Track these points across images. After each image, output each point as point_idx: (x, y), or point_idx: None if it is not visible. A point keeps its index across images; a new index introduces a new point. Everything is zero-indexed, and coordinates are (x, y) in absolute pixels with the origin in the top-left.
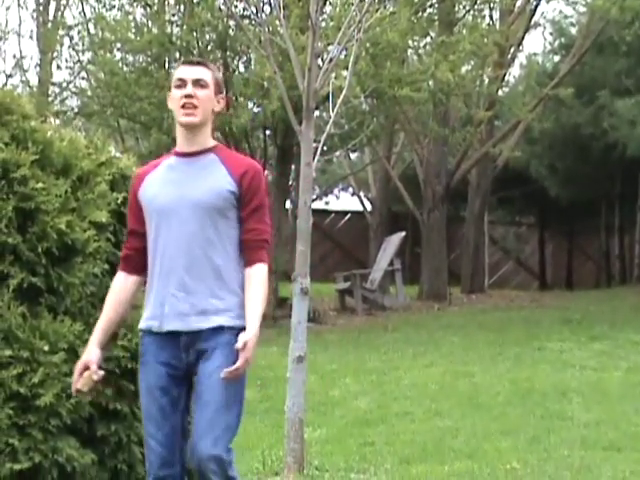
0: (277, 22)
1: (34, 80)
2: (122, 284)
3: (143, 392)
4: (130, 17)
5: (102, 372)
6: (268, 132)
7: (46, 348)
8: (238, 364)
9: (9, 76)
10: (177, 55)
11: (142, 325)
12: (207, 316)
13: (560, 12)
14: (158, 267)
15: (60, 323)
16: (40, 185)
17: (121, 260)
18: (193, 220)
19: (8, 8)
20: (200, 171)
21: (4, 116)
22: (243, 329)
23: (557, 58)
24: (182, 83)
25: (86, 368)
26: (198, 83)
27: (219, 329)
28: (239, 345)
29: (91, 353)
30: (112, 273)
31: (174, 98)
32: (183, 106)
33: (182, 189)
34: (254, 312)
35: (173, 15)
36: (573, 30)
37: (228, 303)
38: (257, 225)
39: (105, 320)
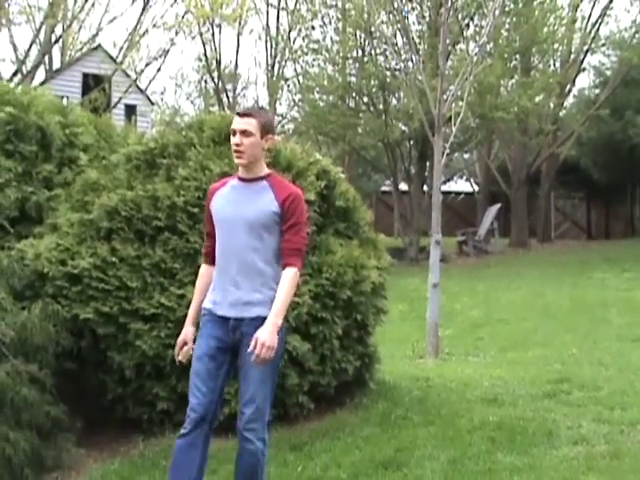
0: (418, 72)
1: None
2: (206, 273)
3: (195, 356)
4: (324, 72)
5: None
6: (412, 142)
7: None
8: (256, 352)
9: None
10: (353, 94)
11: (205, 305)
12: (250, 307)
13: (599, 61)
14: (219, 265)
15: None
16: None
17: (203, 256)
18: (245, 233)
19: (249, 69)
20: (253, 194)
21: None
22: None
23: (597, 90)
24: (233, 133)
25: (184, 344)
26: (244, 133)
27: (258, 318)
28: (252, 344)
29: (187, 332)
30: (319, 233)
31: (231, 143)
32: (234, 151)
33: (239, 208)
34: (276, 307)
35: (351, 69)
36: (608, 72)
37: (266, 296)
38: (292, 237)
39: (196, 303)
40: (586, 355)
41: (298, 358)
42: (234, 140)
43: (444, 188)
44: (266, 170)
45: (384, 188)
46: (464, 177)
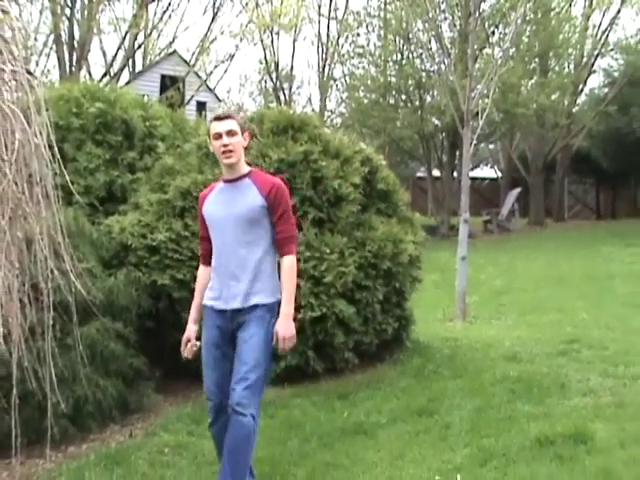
0: (449, 73)
1: (317, 108)
2: (204, 274)
3: (203, 346)
4: (368, 73)
5: (199, 343)
6: (444, 134)
7: (327, 251)
8: (280, 346)
9: (304, 107)
10: (393, 92)
11: (206, 302)
12: (248, 297)
13: (608, 64)
14: (216, 263)
15: (335, 238)
16: (324, 164)
17: (201, 257)
18: (237, 229)
19: (303, 70)
20: (239, 193)
21: (304, 127)
22: (273, 305)
23: (606, 90)
24: (219, 136)
25: (188, 341)
26: (230, 133)
27: (255, 306)
28: (274, 339)
29: (190, 330)
30: (363, 212)
31: (215, 147)
32: (223, 152)
33: (228, 207)
34: (285, 299)
35: (391, 71)
36: (616, 74)
37: (263, 285)
38: (284, 227)
39: (197, 302)
40: (594, 319)
41: (344, 320)
42: (222, 142)
43: (472, 174)
44: (247, 168)
45: (419, 174)
46: (489, 164)
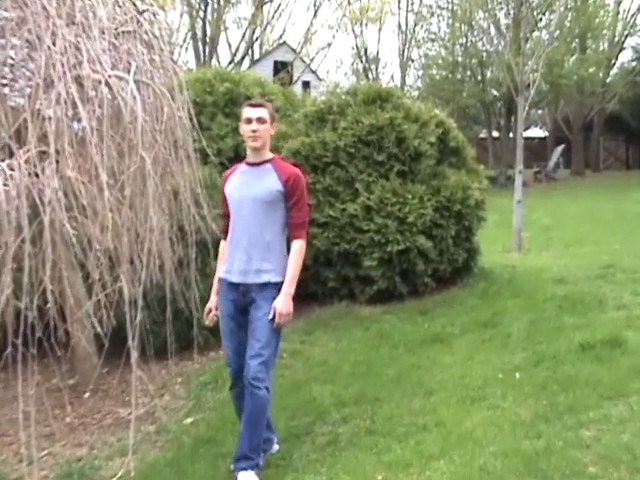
0: (505, 52)
1: (398, 83)
2: (226, 249)
3: (220, 318)
4: (439, 54)
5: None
6: (501, 102)
7: (410, 196)
8: (276, 320)
9: (388, 83)
10: (460, 69)
11: (220, 275)
12: (259, 274)
13: (636, 42)
14: (232, 238)
15: (415, 186)
16: (406, 127)
17: (222, 233)
18: (253, 210)
19: (386, 54)
20: (259, 176)
21: (389, 97)
22: (282, 284)
23: (634, 63)
24: (249, 121)
25: (210, 310)
26: (260, 120)
27: (266, 284)
28: (271, 313)
29: (212, 301)
30: (438, 165)
31: (245, 130)
32: (250, 137)
33: (247, 188)
34: (288, 279)
35: (458, 52)
36: None
37: (274, 265)
38: (297, 213)
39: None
40: (626, 249)
41: (424, 252)
42: (251, 127)
43: (524, 134)
44: (270, 154)
45: (481, 135)
46: (538, 126)
